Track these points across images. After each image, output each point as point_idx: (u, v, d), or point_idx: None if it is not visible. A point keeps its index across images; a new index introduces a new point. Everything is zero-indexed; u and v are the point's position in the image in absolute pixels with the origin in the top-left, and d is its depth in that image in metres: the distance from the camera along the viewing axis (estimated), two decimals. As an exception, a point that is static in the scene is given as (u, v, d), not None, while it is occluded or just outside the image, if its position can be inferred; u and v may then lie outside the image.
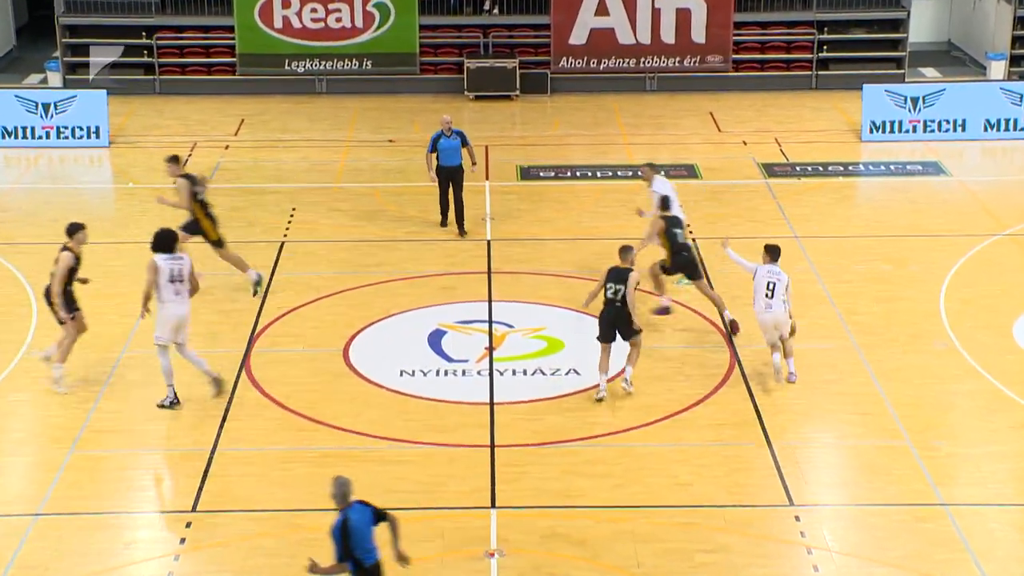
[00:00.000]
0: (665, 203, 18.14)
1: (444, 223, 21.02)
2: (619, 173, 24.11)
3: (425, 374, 16.58)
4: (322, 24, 28.63)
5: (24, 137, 25.40)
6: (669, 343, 17.40)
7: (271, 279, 19.30)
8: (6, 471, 14.45)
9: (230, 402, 15.80)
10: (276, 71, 28.70)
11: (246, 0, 28.35)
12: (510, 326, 17.87)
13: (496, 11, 29.62)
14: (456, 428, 15.33)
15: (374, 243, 20.75)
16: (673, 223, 17.99)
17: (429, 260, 20.04)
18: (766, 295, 16.22)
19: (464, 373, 16.62)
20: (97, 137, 25.43)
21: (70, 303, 16.14)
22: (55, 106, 25.47)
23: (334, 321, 18.00)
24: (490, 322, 17.96)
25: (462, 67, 28.90)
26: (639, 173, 20.56)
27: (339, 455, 14.75)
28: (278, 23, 28.55)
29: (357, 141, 26.04)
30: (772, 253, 16.41)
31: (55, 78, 28.68)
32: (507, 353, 17.11)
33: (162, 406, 15.52)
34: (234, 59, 28.82)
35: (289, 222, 21.65)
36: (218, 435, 15.13)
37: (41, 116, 25.42)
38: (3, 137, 25.27)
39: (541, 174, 24.14)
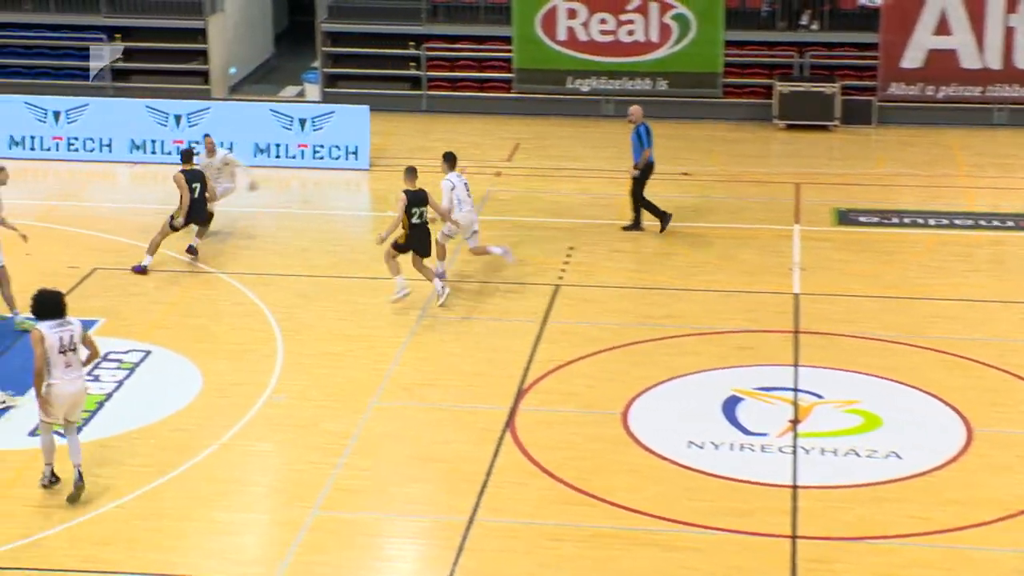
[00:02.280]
0: (186, 156, 21.56)
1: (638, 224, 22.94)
2: (956, 222, 23.54)
3: (717, 447, 16.47)
4: (612, 37, 28.94)
5: (277, 156, 26.45)
6: (1015, 426, 16.83)
7: (543, 326, 19.53)
8: (244, 529, 14.98)
9: (492, 466, 16.02)
10: (557, 89, 29.11)
11: (527, 8, 28.90)
12: (819, 396, 17.60)
13: (815, 26, 29.38)
14: (752, 513, 15.16)
15: (662, 291, 20.76)
16: (193, 177, 21.29)
17: (726, 314, 19.93)
18: (469, 196, 20.63)
19: (763, 448, 16.44)
20: (356, 158, 26.28)
21: None
22: (312, 122, 26.47)
23: (613, 379, 18.07)
24: (795, 390, 17.74)
25: (771, 91, 28.76)
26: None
27: (614, 535, 14.75)
28: (562, 35, 29.00)
29: (646, 173, 26.17)
30: (451, 160, 20.54)
31: (313, 91, 29.81)
32: (814, 428, 16.84)
33: (44, 486, 15.24)
34: (510, 74, 29.40)
35: (565, 263, 21.88)
36: (477, 503, 15.33)
37: (296, 133, 26.44)
38: (255, 155, 26.35)
39: (862, 219, 23.77)
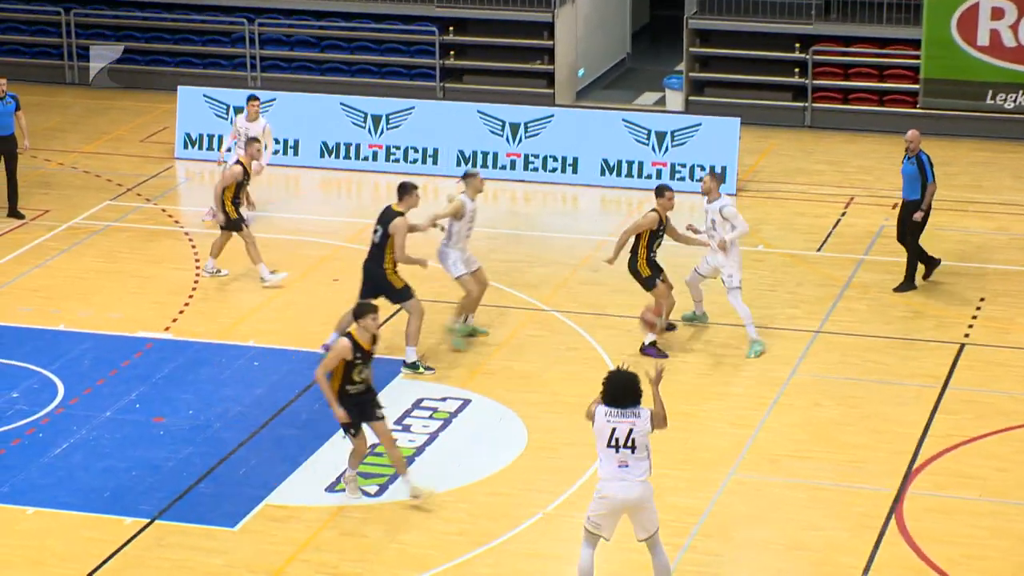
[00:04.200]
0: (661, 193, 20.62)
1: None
2: None
3: None
4: (1046, 42, 28.31)
5: (628, 175, 26.68)
6: None
7: (942, 393, 19.17)
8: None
9: (871, 560, 15.81)
10: (974, 105, 28.57)
11: (941, 6, 28.46)
12: None
13: None
14: None
15: (1096, 358, 20.25)
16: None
17: None
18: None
19: None
20: (723, 180, 26.27)
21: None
22: (671, 136, 26.62)
23: (1028, 463, 17.75)
24: None
25: None
26: None
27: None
28: (983, 39, 28.45)
29: (1081, 210, 25.55)
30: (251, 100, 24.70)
31: (675, 99, 29.99)
32: None
33: None
34: (916, 86, 28.99)
35: (974, 316, 21.48)
36: (850, 604, 15.20)
37: (653, 150, 26.63)
38: (602, 173, 26.64)
39: None
